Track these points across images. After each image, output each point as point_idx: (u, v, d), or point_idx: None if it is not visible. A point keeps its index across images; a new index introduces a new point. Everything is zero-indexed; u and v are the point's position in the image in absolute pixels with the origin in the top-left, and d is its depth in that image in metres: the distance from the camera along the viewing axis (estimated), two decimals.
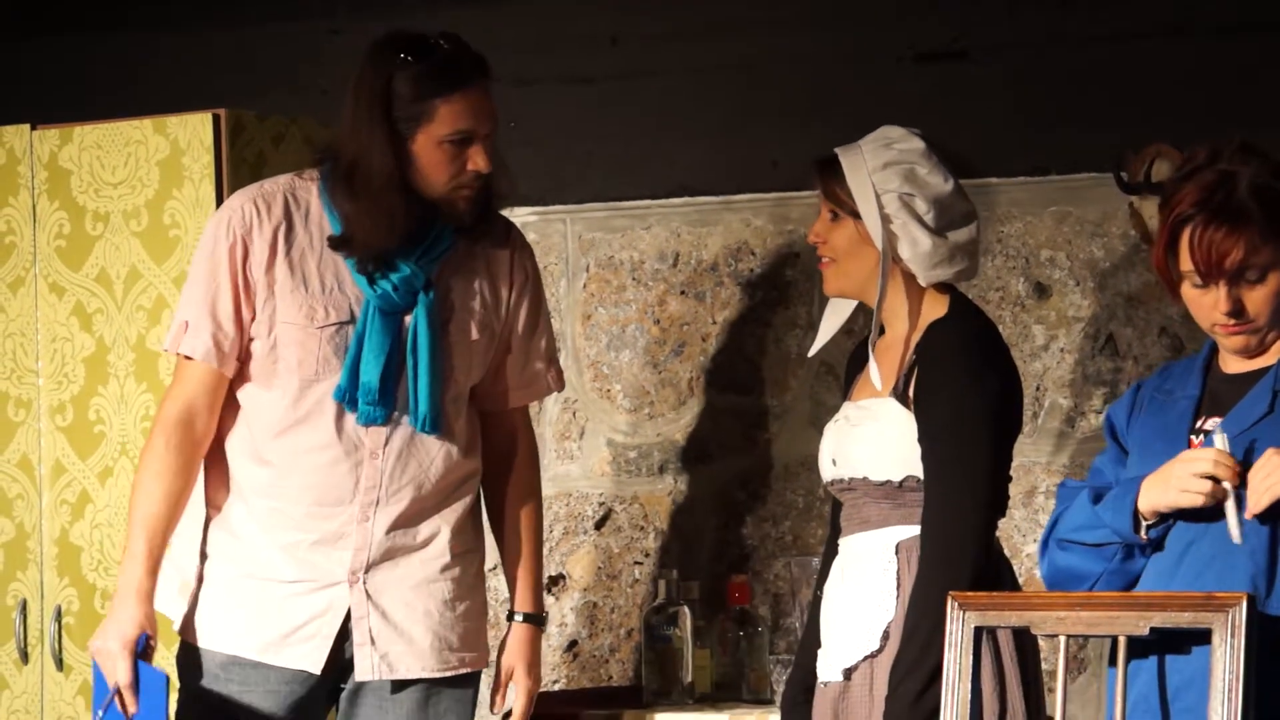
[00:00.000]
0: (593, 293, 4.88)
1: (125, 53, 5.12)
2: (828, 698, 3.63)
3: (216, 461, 3.74)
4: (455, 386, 3.71)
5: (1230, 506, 3.08)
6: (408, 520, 3.69)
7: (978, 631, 3.27)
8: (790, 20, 4.72)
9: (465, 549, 3.77)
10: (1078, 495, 3.27)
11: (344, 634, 3.69)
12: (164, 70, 5.08)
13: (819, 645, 3.68)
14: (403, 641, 3.69)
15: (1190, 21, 4.44)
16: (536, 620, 3.81)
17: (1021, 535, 4.56)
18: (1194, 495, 3.09)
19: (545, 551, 4.87)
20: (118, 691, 3.62)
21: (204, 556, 3.74)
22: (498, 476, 3.84)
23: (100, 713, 3.62)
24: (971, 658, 3.26)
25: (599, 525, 4.87)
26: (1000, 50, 4.58)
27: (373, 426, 3.65)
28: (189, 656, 3.74)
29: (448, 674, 3.72)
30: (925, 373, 3.55)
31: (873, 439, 3.59)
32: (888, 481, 3.57)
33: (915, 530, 3.58)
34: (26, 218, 4.51)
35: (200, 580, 3.74)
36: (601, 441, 4.86)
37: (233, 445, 3.72)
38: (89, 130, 4.47)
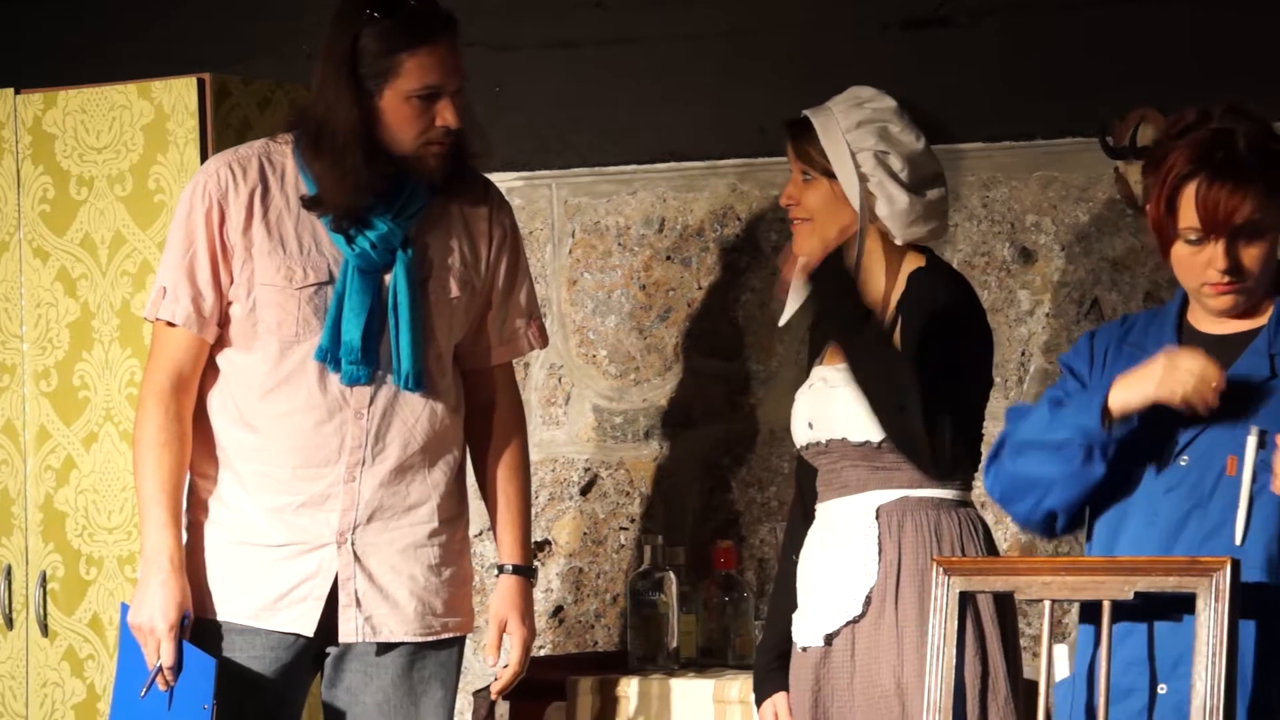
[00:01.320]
0: (578, 258, 4.87)
1: (110, 16, 5.10)
2: (808, 663, 3.63)
3: (200, 429, 3.73)
4: (437, 344, 3.71)
5: (1251, 445, 3.07)
6: (395, 479, 3.69)
7: (963, 596, 3.28)
8: None
9: (452, 515, 3.77)
10: (1032, 410, 3.26)
11: (334, 596, 3.69)
12: (149, 34, 5.07)
13: (793, 610, 3.67)
14: (387, 605, 3.69)
15: None
16: (526, 572, 3.81)
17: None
18: (1180, 388, 3.07)
19: (531, 517, 4.87)
20: (159, 671, 3.61)
21: (193, 525, 3.74)
22: (483, 435, 3.84)
23: (143, 693, 3.60)
24: (956, 623, 3.27)
25: (584, 491, 4.87)
26: (984, 16, 4.57)
27: (356, 386, 3.64)
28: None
29: (431, 638, 3.73)
30: (909, 324, 3.55)
31: (852, 400, 3.58)
32: (866, 442, 3.57)
33: (895, 494, 3.58)
34: (10, 182, 4.49)
35: (190, 548, 3.73)
36: (587, 407, 4.86)
37: (215, 411, 3.72)
38: (73, 95, 4.46)
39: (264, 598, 3.67)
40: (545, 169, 4.89)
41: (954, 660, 3.29)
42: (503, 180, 4.89)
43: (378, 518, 3.69)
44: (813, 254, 3.67)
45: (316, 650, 3.73)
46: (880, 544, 3.56)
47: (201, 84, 4.36)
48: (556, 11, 4.87)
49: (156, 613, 3.62)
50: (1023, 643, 4.53)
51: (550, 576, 4.86)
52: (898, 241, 3.61)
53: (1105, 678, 3.18)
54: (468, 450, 3.85)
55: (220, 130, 4.36)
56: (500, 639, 3.79)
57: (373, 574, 3.68)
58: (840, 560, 3.60)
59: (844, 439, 3.59)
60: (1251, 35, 4.37)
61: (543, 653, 4.83)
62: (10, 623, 4.48)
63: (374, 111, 3.61)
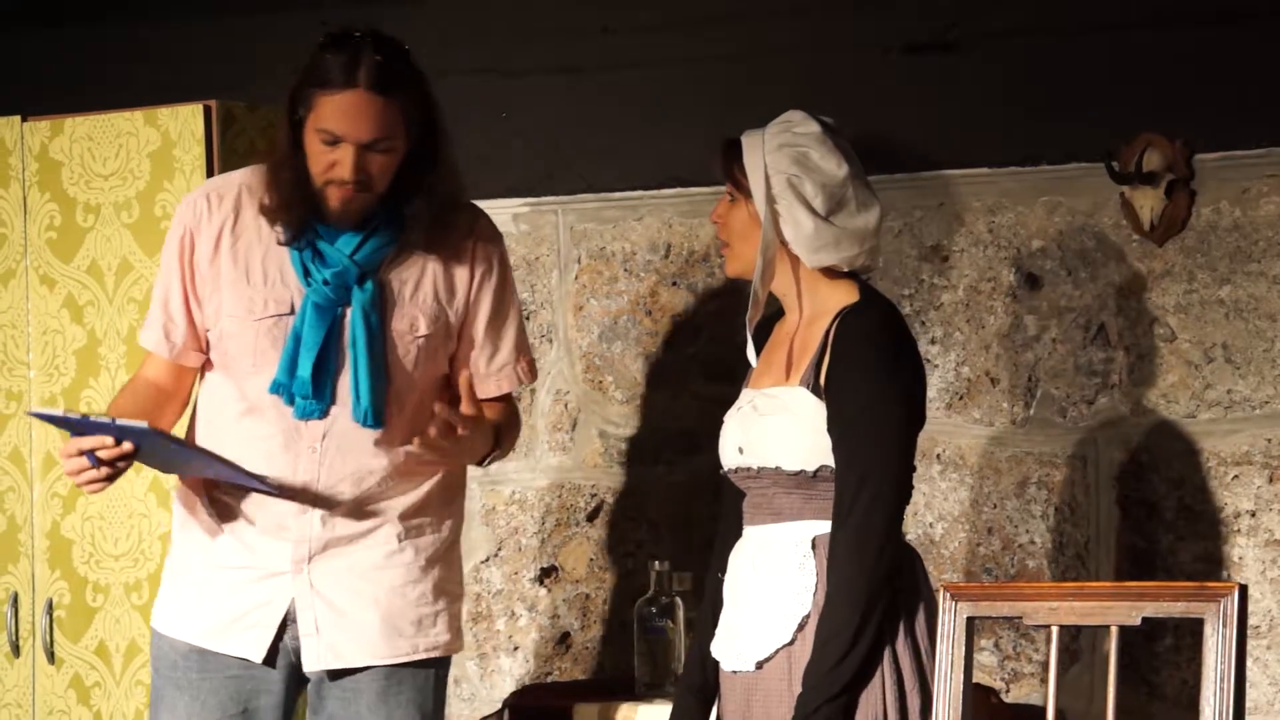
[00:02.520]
0: (584, 284, 4.87)
1: (116, 44, 5.11)
2: (737, 686, 3.62)
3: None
4: (399, 381, 3.69)
5: None
6: (347, 514, 3.69)
7: (969, 622, 3.27)
8: (781, 11, 4.72)
9: (416, 534, 3.74)
10: None
11: (289, 623, 3.69)
12: (155, 61, 5.08)
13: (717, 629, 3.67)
14: (352, 630, 3.68)
15: (1182, 11, 4.44)
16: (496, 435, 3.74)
17: (1014, 527, 4.56)
18: None
19: (537, 544, 4.87)
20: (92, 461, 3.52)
21: (175, 543, 3.78)
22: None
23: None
24: (964, 648, 3.26)
25: (591, 517, 4.87)
26: (990, 41, 4.58)
27: (310, 420, 3.65)
28: (156, 643, 3.77)
29: (401, 661, 3.70)
30: (838, 361, 3.54)
31: (784, 428, 3.57)
32: (800, 472, 3.56)
33: (829, 526, 3.56)
34: (17, 209, 4.50)
35: (171, 571, 3.77)
36: (594, 433, 4.86)
37: (199, 433, 3.75)
38: (80, 122, 4.46)
39: (219, 620, 3.69)
40: (551, 195, 4.89)
41: (961, 685, 3.28)
42: (509, 206, 4.90)
43: (332, 546, 3.69)
44: (734, 275, 3.67)
45: (294, 674, 3.71)
46: (817, 574, 3.55)
47: (208, 110, 4.37)
48: (563, 38, 4.88)
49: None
50: (1030, 669, 4.53)
51: (557, 603, 4.86)
52: (808, 266, 3.61)
53: (1113, 703, 3.17)
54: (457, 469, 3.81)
55: (226, 157, 4.37)
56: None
57: (333, 601, 3.68)
58: (772, 586, 3.58)
59: (777, 467, 3.58)
60: (1257, 60, 4.38)
61: (550, 679, 4.82)
62: (17, 650, 4.47)
63: (301, 137, 3.64)
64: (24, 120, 4.51)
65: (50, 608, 4.44)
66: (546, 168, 4.88)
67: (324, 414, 3.64)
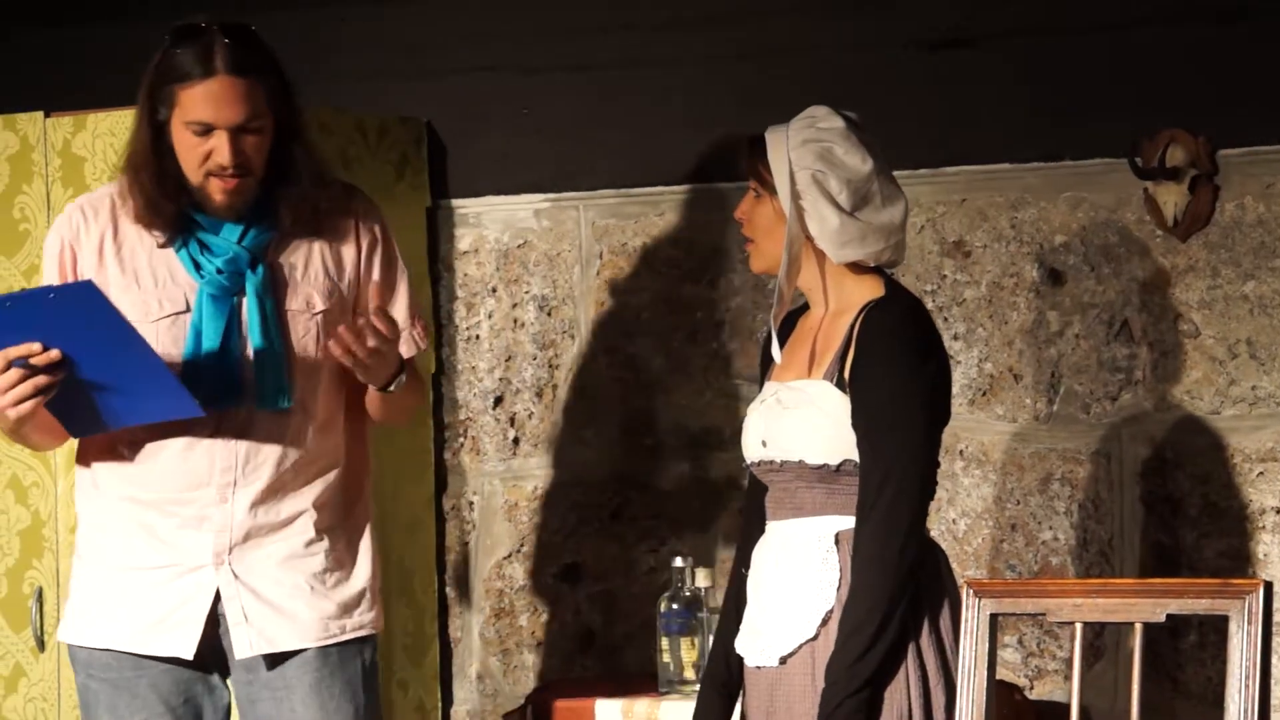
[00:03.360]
0: (606, 279, 4.87)
1: (138, 39, 5.11)
2: (761, 682, 3.62)
3: (82, 464, 3.75)
4: (303, 361, 3.71)
5: None
6: (268, 498, 3.70)
7: (993, 619, 3.27)
8: (800, 7, 4.71)
9: (333, 524, 3.76)
10: None
11: (215, 619, 3.68)
12: None
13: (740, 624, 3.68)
14: (279, 616, 3.69)
15: (1205, 6, 4.43)
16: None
17: (1037, 523, 4.56)
18: None
19: (560, 540, 4.87)
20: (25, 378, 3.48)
21: (78, 555, 3.75)
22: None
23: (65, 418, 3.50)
24: (987, 645, 3.26)
25: (614, 513, 4.87)
26: (1011, 36, 4.57)
27: (223, 410, 3.66)
28: (75, 658, 3.74)
29: (330, 642, 3.71)
30: (862, 355, 3.54)
31: (807, 422, 3.57)
32: (824, 465, 3.56)
33: (853, 521, 3.56)
34: (41, 205, 4.51)
35: (73, 582, 3.74)
36: (616, 428, 4.86)
37: (89, 444, 3.73)
38: (102, 118, 4.47)
39: (143, 622, 3.67)
40: (572, 191, 4.90)
41: (984, 681, 3.28)
42: (530, 202, 4.90)
43: (254, 535, 3.70)
44: (759, 271, 3.67)
45: (221, 671, 3.71)
46: (841, 569, 3.55)
47: None
48: (583, 34, 4.88)
49: None
50: (1054, 665, 4.53)
51: (580, 599, 4.86)
52: (834, 261, 3.61)
53: (1137, 701, 3.17)
54: (365, 451, 3.82)
55: None
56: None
57: (258, 590, 3.68)
58: (796, 581, 3.59)
59: (800, 461, 3.58)
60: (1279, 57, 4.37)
61: (573, 675, 4.83)
62: (42, 645, 4.49)
63: (165, 135, 3.65)
64: (47, 116, 4.51)
65: None
66: (568, 164, 4.88)
67: (235, 402, 3.65)
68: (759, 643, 3.61)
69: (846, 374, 3.54)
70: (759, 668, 3.61)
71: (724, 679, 3.71)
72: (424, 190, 4.93)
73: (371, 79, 4.90)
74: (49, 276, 3.71)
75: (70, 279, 3.68)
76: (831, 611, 3.53)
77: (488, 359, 4.92)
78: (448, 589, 4.93)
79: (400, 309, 3.80)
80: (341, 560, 3.76)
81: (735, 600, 3.71)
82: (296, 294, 3.70)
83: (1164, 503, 4.48)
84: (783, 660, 3.57)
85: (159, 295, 3.67)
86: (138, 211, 3.66)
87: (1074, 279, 4.55)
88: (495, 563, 4.90)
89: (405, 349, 3.78)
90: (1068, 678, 3.31)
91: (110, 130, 4.45)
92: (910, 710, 3.49)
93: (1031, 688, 4.52)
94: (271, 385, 3.65)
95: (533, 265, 4.90)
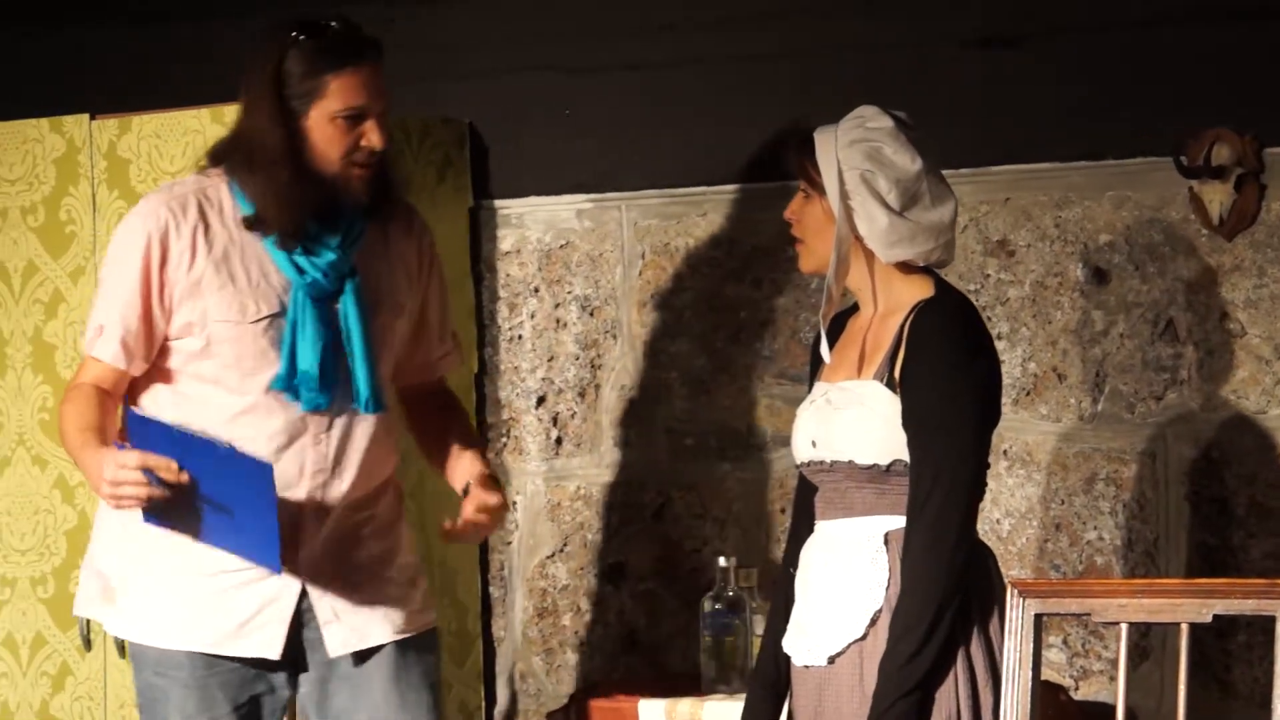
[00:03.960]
0: (648, 280, 4.88)
1: (182, 42, 5.14)
2: (809, 681, 3.62)
3: None
4: (386, 367, 3.77)
5: None
6: (354, 497, 3.74)
7: (1037, 619, 3.26)
8: (847, 6, 4.71)
9: (393, 518, 3.83)
10: None
11: (297, 618, 3.70)
12: (221, 59, 5.09)
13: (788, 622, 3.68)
14: (369, 612, 3.73)
15: (1251, 4, 4.41)
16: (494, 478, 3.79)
17: (1082, 523, 4.54)
18: None
19: (603, 540, 4.87)
20: (153, 477, 3.50)
21: (137, 557, 3.73)
22: (439, 433, 3.86)
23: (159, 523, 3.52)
24: (1032, 645, 3.25)
25: (657, 513, 4.87)
26: (1055, 35, 4.56)
27: (317, 413, 3.69)
28: (142, 656, 3.74)
29: (412, 634, 3.77)
30: (912, 355, 3.54)
31: (858, 422, 3.57)
32: (874, 465, 3.56)
33: (903, 521, 3.55)
34: (86, 207, 4.53)
35: (137, 580, 3.73)
36: (659, 429, 4.86)
37: None
38: (147, 120, 4.49)
39: (227, 625, 3.68)
40: (615, 191, 4.90)
41: (1029, 682, 3.27)
42: (573, 202, 4.90)
43: (340, 535, 3.73)
44: (808, 272, 3.67)
45: (289, 672, 3.73)
46: (890, 569, 3.55)
47: None
48: (626, 34, 4.88)
49: (103, 467, 3.54)
50: (1099, 666, 4.52)
51: (623, 599, 4.86)
52: (883, 261, 3.60)
53: (1184, 702, 3.16)
54: (426, 449, 3.89)
55: None
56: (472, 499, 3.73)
57: (344, 587, 3.72)
58: (844, 581, 3.58)
59: (850, 461, 3.58)
60: None
61: (616, 675, 4.83)
62: (89, 644, 4.50)
63: (300, 131, 3.66)
64: (92, 119, 4.53)
65: None
66: (610, 164, 4.88)
67: (329, 404, 3.68)
68: (806, 642, 3.60)
69: (897, 374, 3.54)
70: (806, 667, 3.61)
71: (772, 678, 3.71)
72: (466, 191, 4.94)
73: (414, 80, 4.91)
74: (129, 270, 3.66)
75: (156, 277, 3.66)
76: (880, 611, 3.52)
77: (530, 359, 4.93)
78: (491, 588, 4.93)
79: (448, 328, 3.90)
80: (405, 555, 3.82)
81: (783, 599, 3.71)
82: (382, 303, 3.75)
83: (1210, 502, 4.46)
84: (831, 660, 3.57)
85: (255, 296, 3.68)
86: (267, 213, 3.65)
87: (1119, 278, 4.53)
88: (538, 562, 4.91)
89: (450, 366, 3.90)
90: (1113, 678, 3.30)
91: (155, 132, 4.47)
92: (959, 712, 3.48)
93: (1076, 688, 4.51)
94: (366, 390, 3.69)
95: (575, 265, 4.91)
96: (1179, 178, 4.44)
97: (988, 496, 4.57)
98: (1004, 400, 4.56)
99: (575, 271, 4.91)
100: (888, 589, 3.53)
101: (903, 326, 3.56)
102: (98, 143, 4.51)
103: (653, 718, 4.30)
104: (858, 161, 3.58)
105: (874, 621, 3.53)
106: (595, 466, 4.90)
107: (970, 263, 4.61)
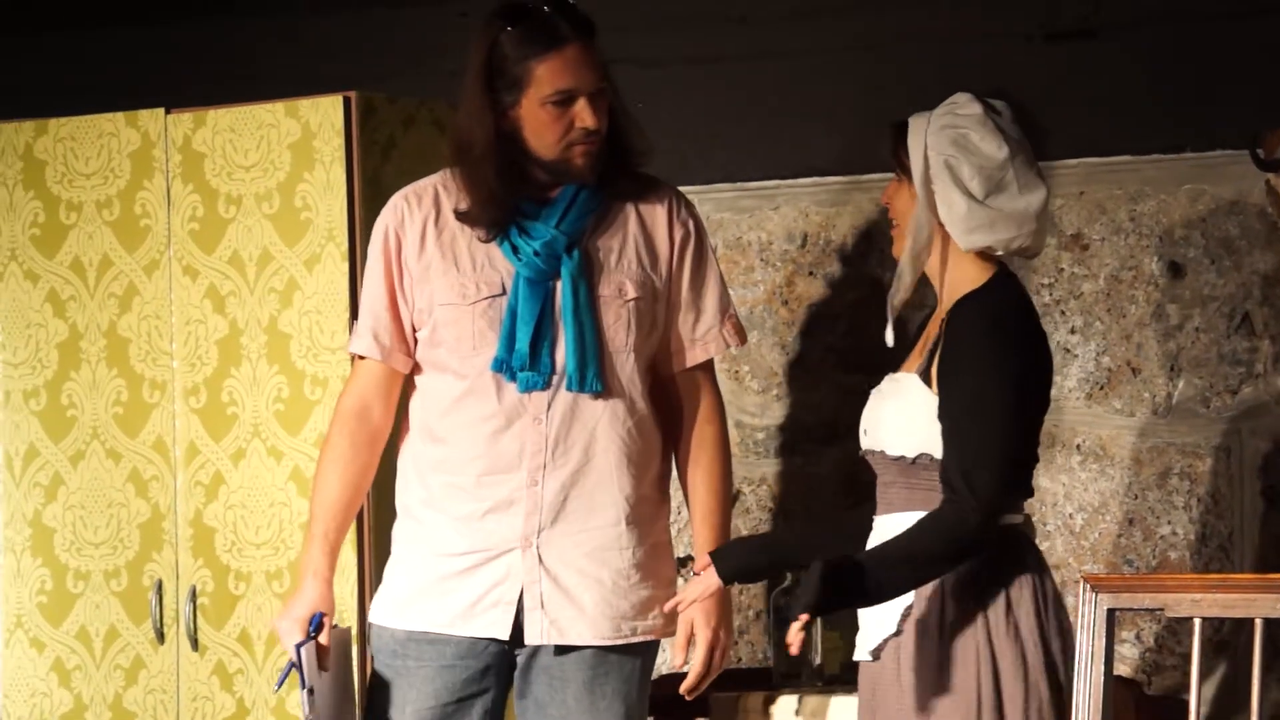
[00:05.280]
0: (721, 273, 4.87)
1: (257, 36, 5.17)
2: (866, 676, 3.64)
3: (405, 452, 3.83)
4: (614, 345, 3.74)
5: None
6: (577, 482, 3.73)
7: (1110, 614, 3.25)
8: None
9: (644, 517, 3.78)
10: None
11: (522, 600, 3.73)
12: (295, 53, 5.12)
13: (832, 532, 3.75)
14: (573, 608, 3.72)
15: None
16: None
17: (1155, 518, 4.51)
18: None
19: (674, 534, 4.87)
20: (290, 667, 3.67)
21: (393, 543, 3.83)
22: (682, 437, 3.85)
23: (277, 688, 3.68)
24: (1105, 640, 3.23)
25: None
26: (1132, 28, 4.53)
27: (534, 392, 3.69)
28: (377, 634, 3.82)
29: (618, 642, 3.74)
30: (947, 352, 3.54)
31: (895, 414, 3.59)
32: (902, 457, 3.56)
33: None
34: (161, 201, 4.55)
35: (392, 565, 3.82)
36: (730, 423, 4.85)
37: (412, 428, 3.81)
38: (222, 114, 4.51)
39: (458, 605, 3.73)
40: (687, 184, 4.88)
41: (1101, 677, 3.25)
42: None
43: (562, 520, 3.73)
44: (899, 256, 3.65)
45: (508, 657, 3.75)
46: None
47: (347, 102, 4.40)
48: (699, 27, 4.88)
49: (289, 610, 3.74)
50: (1172, 661, 4.49)
51: None
52: (962, 248, 3.59)
53: (1257, 697, 3.13)
54: (671, 453, 3.86)
55: (365, 148, 4.40)
56: (688, 641, 3.78)
57: (558, 577, 3.72)
58: None
59: (883, 451, 3.59)
60: None
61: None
62: (161, 637, 4.53)
63: (515, 121, 3.67)
64: (168, 113, 4.56)
65: (194, 595, 4.50)
66: (682, 157, 4.88)
67: (546, 385, 3.70)
68: (858, 637, 3.61)
69: (934, 369, 3.54)
70: (859, 662, 3.62)
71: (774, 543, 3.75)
72: None
73: None
74: (374, 264, 3.79)
75: (395, 264, 3.77)
76: (912, 607, 3.52)
77: None
78: None
79: (711, 304, 3.82)
80: (645, 558, 3.77)
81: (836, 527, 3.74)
82: (609, 280, 3.74)
83: None
84: (874, 655, 3.57)
85: (477, 279, 3.73)
86: (473, 206, 3.70)
87: (1194, 271, 4.50)
88: None
89: (715, 347, 3.83)
90: (1186, 674, 3.27)
91: (230, 126, 4.49)
92: (980, 702, 3.46)
93: (1150, 684, 4.48)
94: (582, 368, 3.69)
95: None
96: (1255, 170, 4.40)
97: (1060, 490, 4.56)
98: (1078, 394, 4.55)
99: None
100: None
101: (945, 321, 3.56)
102: (172, 137, 4.54)
103: (725, 712, 4.29)
104: (943, 147, 3.59)
105: (907, 617, 3.52)
106: None
107: (1044, 256, 4.59)
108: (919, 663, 3.51)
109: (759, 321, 4.84)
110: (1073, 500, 4.57)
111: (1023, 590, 3.51)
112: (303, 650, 3.67)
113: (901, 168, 3.66)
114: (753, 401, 4.84)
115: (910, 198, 3.63)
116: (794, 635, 3.43)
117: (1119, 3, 4.54)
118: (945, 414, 3.51)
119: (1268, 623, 3.13)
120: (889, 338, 3.64)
